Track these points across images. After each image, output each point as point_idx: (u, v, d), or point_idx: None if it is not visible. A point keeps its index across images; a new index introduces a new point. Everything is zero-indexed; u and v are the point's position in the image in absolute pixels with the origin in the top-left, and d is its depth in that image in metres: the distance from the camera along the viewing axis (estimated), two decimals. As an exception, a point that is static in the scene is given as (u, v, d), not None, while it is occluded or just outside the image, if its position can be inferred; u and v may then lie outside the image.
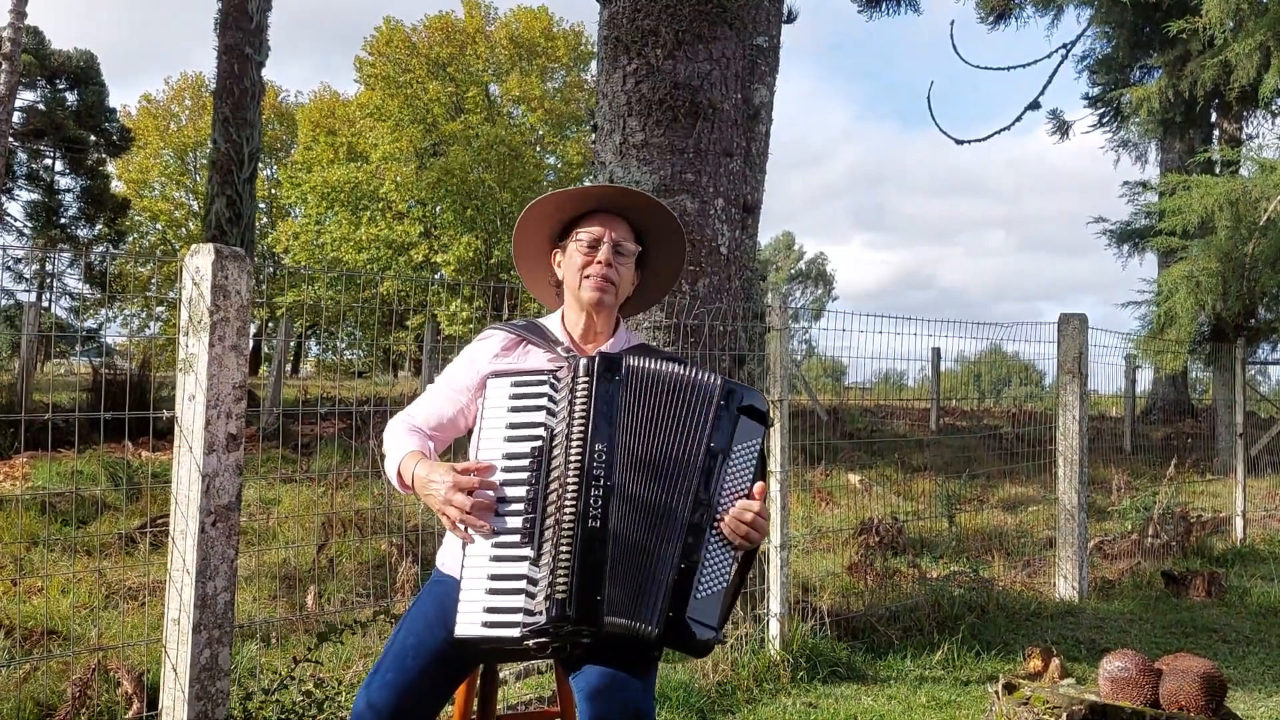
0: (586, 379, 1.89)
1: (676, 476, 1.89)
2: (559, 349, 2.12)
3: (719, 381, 1.95)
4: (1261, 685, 4.21)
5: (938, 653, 4.35)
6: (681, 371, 1.96)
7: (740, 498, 1.91)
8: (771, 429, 4.34)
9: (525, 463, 1.87)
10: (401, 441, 2.07)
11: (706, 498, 1.88)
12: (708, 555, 1.87)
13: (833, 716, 3.69)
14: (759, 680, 3.94)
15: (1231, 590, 5.82)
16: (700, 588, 1.85)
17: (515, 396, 1.93)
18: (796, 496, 7.74)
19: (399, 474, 2.02)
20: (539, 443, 1.88)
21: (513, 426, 1.91)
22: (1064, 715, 3.08)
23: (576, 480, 1.83)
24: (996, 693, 3.37)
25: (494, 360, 2.13)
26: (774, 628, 4.20)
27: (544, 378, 1.93)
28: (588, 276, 2.12)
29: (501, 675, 3.15)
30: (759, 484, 1.94)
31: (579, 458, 1.84)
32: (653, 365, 1.95)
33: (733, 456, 1.92)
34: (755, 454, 1.95)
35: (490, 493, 1.87)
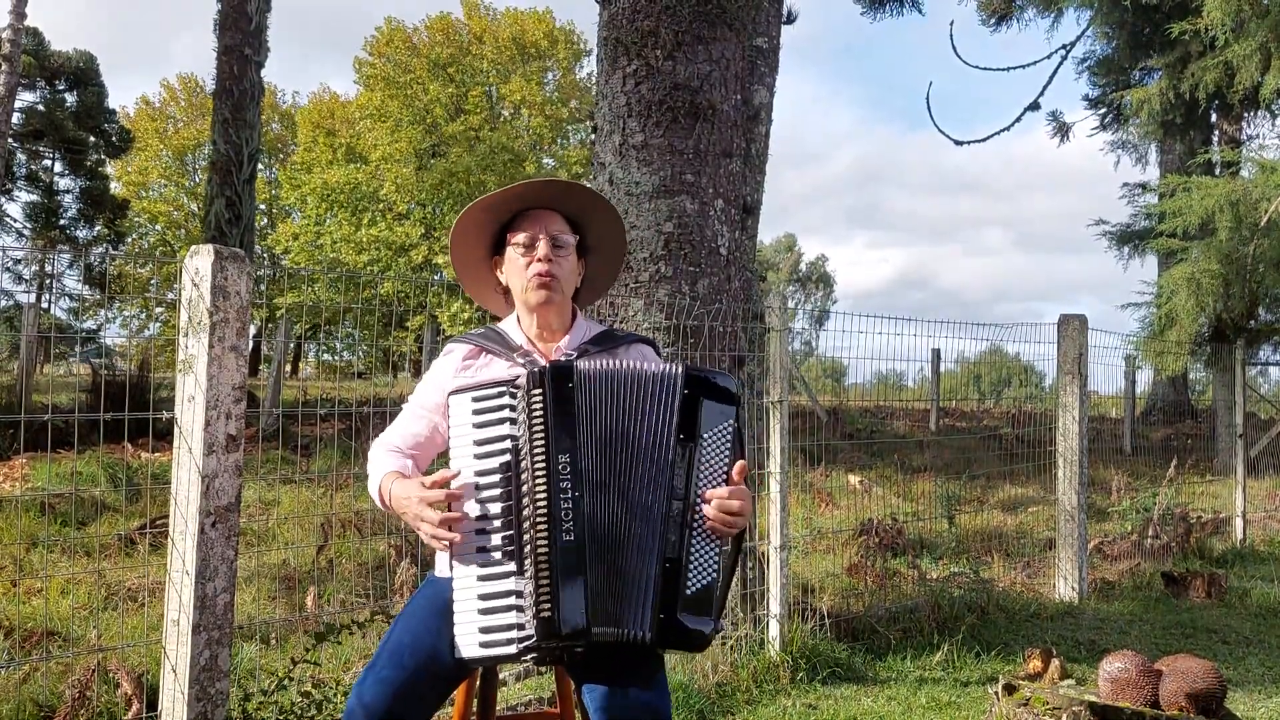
0: (539, 391, 1.85)
1: (649, 474, 1.85)
2: (517, 355, 2.11)
3: (679, 370, 1.90)
4: (1261, 686, 4.21)
5: (938, 654, 4.35)
6: (638, 366, 1.91)
7: (719, 484, 1.87)
8: (774, 424, 4.34)
9: (497, 478, 1.86)
10: (381, 463, 2.09)
11: (682, 490, 1.84)
12: (692, 549, 1.83)
13: (833, 717, 3.69)
14: (759, 681, 3.94)
15: (1231, 591, 5.81)
16: (689, 583, 1.81)
17: (477, 411, 1.90)
18: (796, 497, 7.74)
19: (380, 495, 2.05)
20: (507, 456, 1.86)
21: (479, 443, 1.88)
22: (1064, 716, 3.08)
23: (545, 495, 1.81)
24: (996, 694, 3.37)
25: (457, 375, 2.13)
26: (774, 629, 4.20)
27: (502, 388, 1.89)
28: (530, 276, 2.11)
29: (501, 676, 3.14)
30: (739, 462, 1.89)
31: (544, 472, 1.82)
32: (607, 364, 1.90)
33: (704, 443, 1.87)
34: (729, 437, 1.90)
35: (458, 504, 1.87)
